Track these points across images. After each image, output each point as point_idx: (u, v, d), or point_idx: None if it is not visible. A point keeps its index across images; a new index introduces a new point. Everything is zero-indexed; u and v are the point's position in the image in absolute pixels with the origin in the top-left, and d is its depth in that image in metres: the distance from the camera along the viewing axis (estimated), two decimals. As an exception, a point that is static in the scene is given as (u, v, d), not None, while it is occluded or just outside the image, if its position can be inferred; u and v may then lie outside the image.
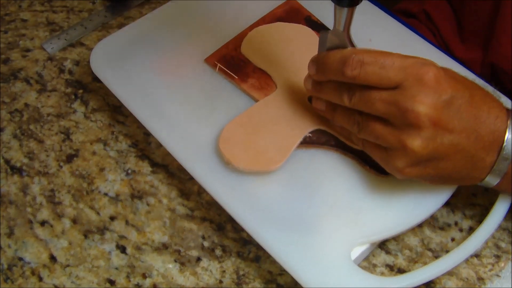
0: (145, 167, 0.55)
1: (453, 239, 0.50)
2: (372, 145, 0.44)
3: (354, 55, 0.41)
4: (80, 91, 0.61)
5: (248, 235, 0.47)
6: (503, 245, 0.50)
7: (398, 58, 0.40)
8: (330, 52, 0.44)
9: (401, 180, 0.47)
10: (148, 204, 0.53)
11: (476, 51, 0.67)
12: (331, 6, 0.43)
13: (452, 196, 0.48)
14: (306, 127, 0.50)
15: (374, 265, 0.49)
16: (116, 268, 0.49)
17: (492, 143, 0.41)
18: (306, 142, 0.49)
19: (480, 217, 0.51)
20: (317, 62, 0.45)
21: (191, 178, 0.51)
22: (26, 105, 0.60)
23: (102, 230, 0.51)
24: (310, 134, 0.50)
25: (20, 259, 0.50)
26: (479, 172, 0.42)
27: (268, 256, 0.49)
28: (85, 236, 0.51)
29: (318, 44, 0.46)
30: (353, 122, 0.44)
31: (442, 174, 0.42)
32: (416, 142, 0.40)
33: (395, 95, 0.40)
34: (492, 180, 0.43)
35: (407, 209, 0.47)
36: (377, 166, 0.48)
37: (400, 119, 0.40)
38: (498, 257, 0.49)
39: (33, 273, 0.49)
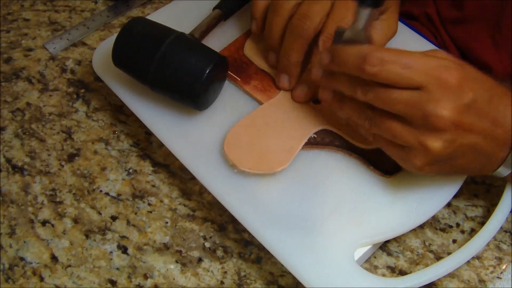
0: (147, 167, 0.55)
1: (454, 241, 0.50)
2: (386, 142, 0.44)
3: (374, 52, 0.40)
4: (82, 90, 0.61)
5: (249, 236, 0.47)
6: (504, 247, 0.50)
7: (419, 58, 0.40)
8: (348, 46, 0.42)
9: (404, 181, 0.47)
10: (149, 204, 0.53)
11: None
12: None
13: (454, 198, 0.48)
14: (310, 129, 0.50)
15: (376, 267, 0.49)
16: (117, 269, 0.49)
17: (506, 141, 0.42)
18: (310, 143, 0.49)
19: (481, 219, 0.51)
20: (333, 53, 0.43)
21: (193, 178, 0.51)
22: (28, 104, 0.60)
23: (103, 230, 0.51)
24: (315, 135, 0.49)
25: (22, 259, 0.50)
26: (492, 165, 0.44)
27: (269, 257, 0.49)
28: (87, 236, 0.51)
29: (334, 38, 0.46)
30: (364, 118, 0.43)
31: (457, 170, 0.44)
32: (437, 144, 0.40)
33: (418, 97, 0.39)
34: (504, 171, 0.44)
35: (411, 209, 0.47)
36: (381, 167, 0.48)
37: (421, 121, 0.40)
38: (499, 259, 0.49)
39: (34, 273, 0.49)
